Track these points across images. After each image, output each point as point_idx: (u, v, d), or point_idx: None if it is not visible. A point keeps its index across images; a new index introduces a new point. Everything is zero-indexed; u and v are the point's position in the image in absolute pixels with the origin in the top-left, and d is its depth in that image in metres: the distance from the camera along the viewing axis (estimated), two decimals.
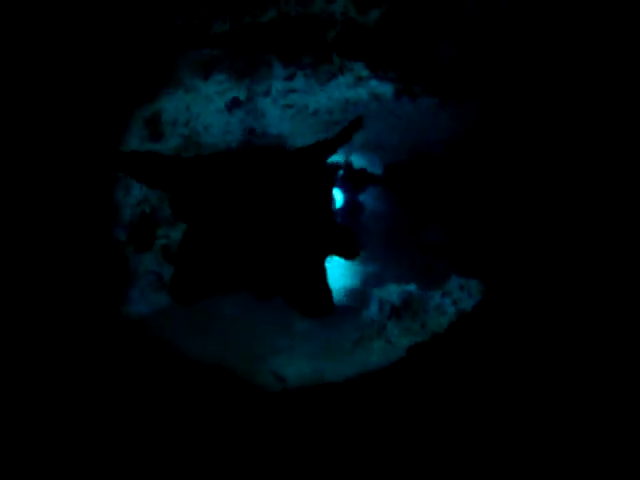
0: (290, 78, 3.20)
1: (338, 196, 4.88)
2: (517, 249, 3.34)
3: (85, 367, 2.90)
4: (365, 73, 3.26)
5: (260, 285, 3.20)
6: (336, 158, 4.38)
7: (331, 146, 3.61)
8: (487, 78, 3.52)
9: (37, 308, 2.87)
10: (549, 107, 3.32)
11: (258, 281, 3.15)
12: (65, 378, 2.81)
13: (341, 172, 4.67)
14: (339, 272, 4.55)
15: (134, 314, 3.48)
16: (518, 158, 3.58)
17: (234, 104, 3.27)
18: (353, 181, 4.89)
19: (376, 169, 4.74)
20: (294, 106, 3.42)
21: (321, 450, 2.74)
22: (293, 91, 3.30)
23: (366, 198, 4.78)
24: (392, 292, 3.63)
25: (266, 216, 3.08)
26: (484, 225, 3.69)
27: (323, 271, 3.24)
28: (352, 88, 3.35)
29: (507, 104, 3.55)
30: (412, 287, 3.60)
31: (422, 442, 2.74)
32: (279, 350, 3.41)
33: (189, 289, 2.99)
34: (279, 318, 3.86)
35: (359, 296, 4.06)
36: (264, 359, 3.31)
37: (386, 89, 3.40)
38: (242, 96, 3.25)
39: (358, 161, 4.74)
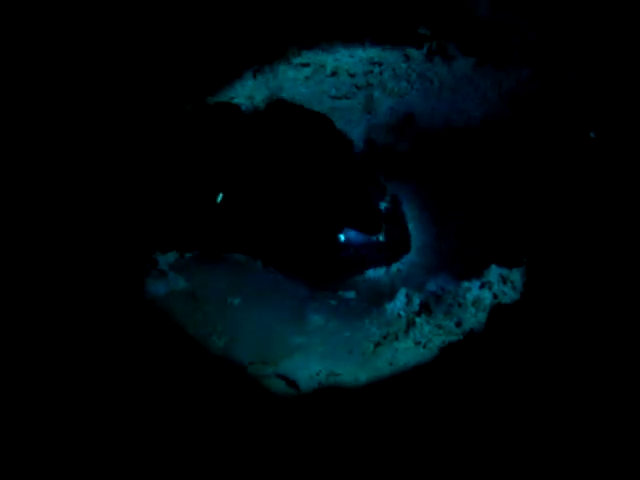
0: None
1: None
2: (568, 234, 2.92)
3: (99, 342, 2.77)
4: None
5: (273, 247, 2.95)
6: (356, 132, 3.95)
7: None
8: (533, 38, 3.10)
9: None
10: (610, 77, 2.88)
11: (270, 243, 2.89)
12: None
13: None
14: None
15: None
16: (564, 134, 3.18)
17: None
18: (374, 159, 4.47)
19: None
20: (309, 65, 3.00)
21: (334, 462, 2.43)
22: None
23: (391, 175, 4.36)
24: (421, 283, 3.25)
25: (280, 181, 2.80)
26: (528, 206, 3.27)
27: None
28: (377, 44, 2.93)
29: (557, 70, 3.12)
30: (445, 277, 3.25)
31: (454, 458, 2.37)
32: (291, 349, 3.04)
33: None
34: (292, 311, 3.51)
35: (383, 287, 3.70)
36: (274, 359, 2.94)
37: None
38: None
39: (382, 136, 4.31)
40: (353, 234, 4.22)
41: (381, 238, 4.34)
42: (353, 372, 2.79)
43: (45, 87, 2.71)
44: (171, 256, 3.41)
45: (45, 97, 2.72)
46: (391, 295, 3.21)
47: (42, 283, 2.68)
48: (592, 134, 2.89)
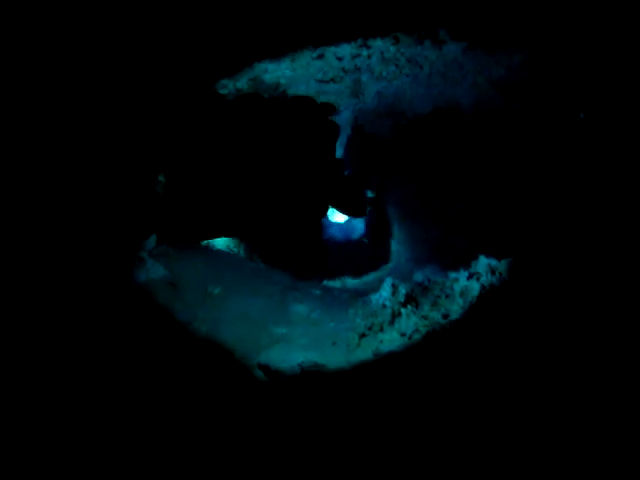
0: None
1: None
2: (557, 223, 2.87)
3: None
4: None
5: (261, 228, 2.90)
6: (344, 116, 3.86)
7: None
8: (526, 22, 3.05)
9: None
10: (603, 64, 2.82)
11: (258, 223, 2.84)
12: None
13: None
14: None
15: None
16: (554, 123, 3.11)
17: None
18: (362, 145, 4.39)
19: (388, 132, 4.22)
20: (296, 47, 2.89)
21: (317, 451, 2.37)
22: None
23: (377, 165, 4.28)
24: (408, 273, 3.17)
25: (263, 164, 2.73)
26: (517, 196, 3.21)
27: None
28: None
29: (548, 57, 3.07)
30: (432, 268, 3.17)
31: (438, 448, 2.32)
32: (273, 339, 2.96)
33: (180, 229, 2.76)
34: (274, 300, 3.43)
35: (368, 277, 3.63)
36: (256, 349, 2.87)
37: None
38: None
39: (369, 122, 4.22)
40: (336, 230, 4.13)
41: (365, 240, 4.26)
42: (337, 363, 2.71)
43: (38, 69, 2.62)
44: (150, 243, 3.31)
45: (35, 81, 2.63)
46: (376, 286, 3.15)
47: (29, 262, 2.61)
48: (581, 115, 2.85)
